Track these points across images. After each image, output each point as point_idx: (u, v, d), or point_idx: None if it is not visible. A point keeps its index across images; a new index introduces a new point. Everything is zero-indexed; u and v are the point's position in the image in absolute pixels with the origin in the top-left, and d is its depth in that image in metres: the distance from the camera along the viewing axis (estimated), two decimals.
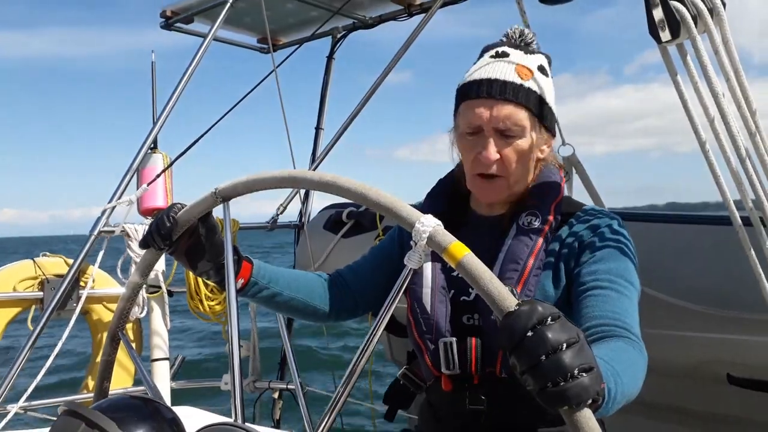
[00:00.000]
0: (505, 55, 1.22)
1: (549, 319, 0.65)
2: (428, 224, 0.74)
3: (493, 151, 1.18)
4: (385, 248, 1.40)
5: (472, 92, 1.20)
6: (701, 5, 1.20)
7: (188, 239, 1.09)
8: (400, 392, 1.40)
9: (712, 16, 1.21)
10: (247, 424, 0.75)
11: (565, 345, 0.64)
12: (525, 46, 1.25)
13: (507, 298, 0.68)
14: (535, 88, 1.19)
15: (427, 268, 1.23)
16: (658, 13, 1.21)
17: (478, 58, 1.26)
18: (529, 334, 0.65)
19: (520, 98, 1.17)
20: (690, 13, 1.19)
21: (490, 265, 1.16)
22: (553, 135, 1.28)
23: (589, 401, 0.65)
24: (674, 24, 1.20)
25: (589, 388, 0.65)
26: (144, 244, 1.07)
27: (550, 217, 1.21)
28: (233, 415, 0.76)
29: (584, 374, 0.65)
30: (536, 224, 1.20)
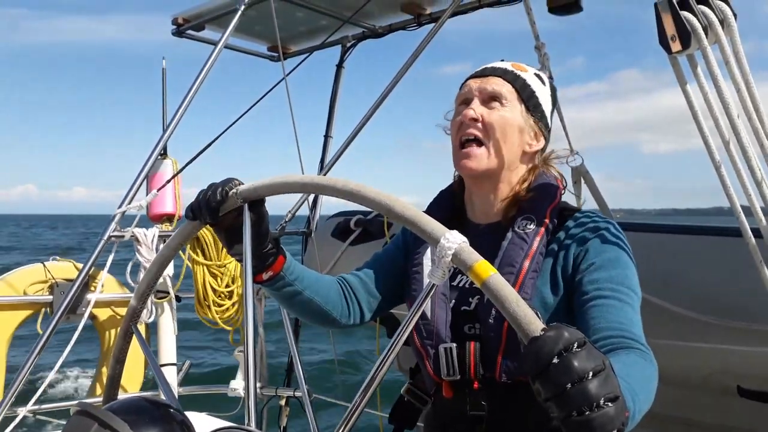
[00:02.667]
0: (502, 61, 1.36)
1: (575, 345, 0.64)
2: (454, 241, 0.72)
3: (476, 107, 1.25)
4: (390, 256, 1.40)
5: (467, 78, 1.32)
6: (712, 16, 1.20)
7: (236, 218, 1.07)
8: (405, 409, 1.39)
9: (723, 27, 1.21)
10: (257, 430, 0.75)
11: (591, 374, 0.63)
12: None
13: (533, 322, 0.66)
14: (524, 77, 1.29)
15: (427, 276, 1.23)
16: (668, 24, 1.21)
17: None
18: (555, 360, 0.63)
19: (507, 76, 1.28)
20: (701, 24, 1.19)
21: None
22: (546, 138, 1.32)
23: None
24: (685, 34, 1.20)
25: (614, 419, 0.64)
26: (191, 215, 1.05)
27: (546, 221, 1.22)
28: (246, 419, 0.75)
29: (610, 404, 0.64)
30: (531, 228, 1.21)
